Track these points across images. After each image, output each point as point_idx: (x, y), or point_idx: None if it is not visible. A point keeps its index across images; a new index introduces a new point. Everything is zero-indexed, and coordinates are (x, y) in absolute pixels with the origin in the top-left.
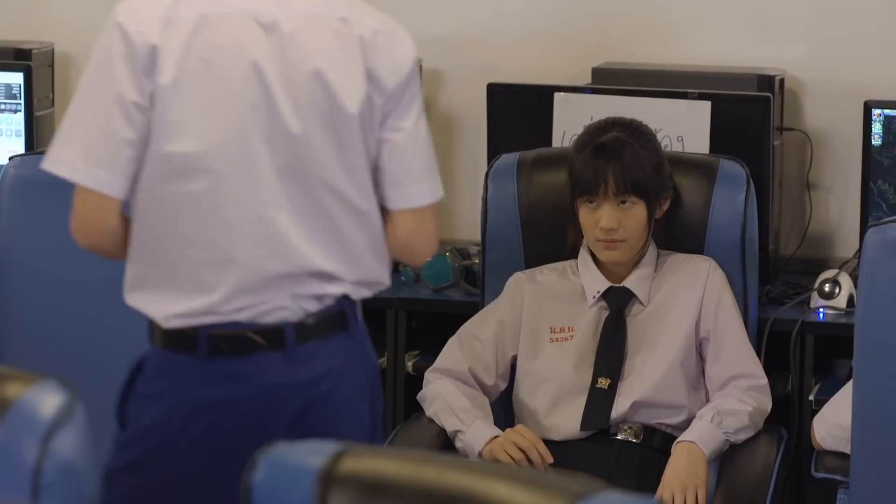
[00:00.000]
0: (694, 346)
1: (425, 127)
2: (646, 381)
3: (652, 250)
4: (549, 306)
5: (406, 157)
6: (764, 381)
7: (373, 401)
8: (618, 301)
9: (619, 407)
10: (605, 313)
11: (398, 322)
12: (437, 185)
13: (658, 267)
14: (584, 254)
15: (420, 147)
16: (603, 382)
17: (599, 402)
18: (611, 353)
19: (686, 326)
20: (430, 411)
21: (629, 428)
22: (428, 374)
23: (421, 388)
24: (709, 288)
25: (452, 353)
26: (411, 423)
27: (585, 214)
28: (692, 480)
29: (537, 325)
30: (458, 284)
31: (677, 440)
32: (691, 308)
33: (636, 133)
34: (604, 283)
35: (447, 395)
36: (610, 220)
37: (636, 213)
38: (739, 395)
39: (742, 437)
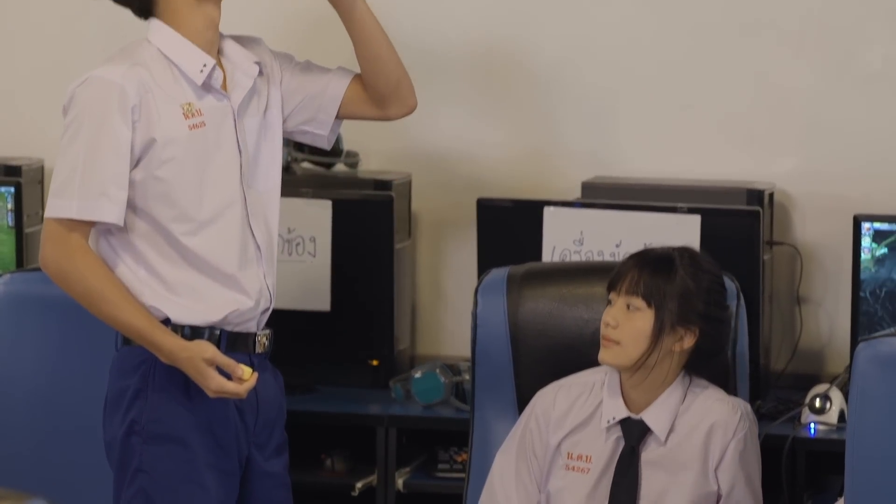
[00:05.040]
0: None
1: (73, 150)
2: None
3: (679, 384)
4: (568, 428)
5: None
6: None
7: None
8: (633, 437)
9: None
10: (622, 446)
11: (388, 439)
12: (55, 202)
13: (686, 400)
14: (612, 372)
15: (57, 165)
16: None
17: None
18: (622, 497)
19: (699, 487)
20: None
21: None
22: None
23: None
24: (730, 451)
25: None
26: None
27: (604, 314)
28: None
29: (556, 445)
30: (448, 401)
31: None
32: (708, 467)
33: (686, 257)
34: (622, 412)
35: None
36: (610, 315)
37: (638, 320)
38: None
39: None
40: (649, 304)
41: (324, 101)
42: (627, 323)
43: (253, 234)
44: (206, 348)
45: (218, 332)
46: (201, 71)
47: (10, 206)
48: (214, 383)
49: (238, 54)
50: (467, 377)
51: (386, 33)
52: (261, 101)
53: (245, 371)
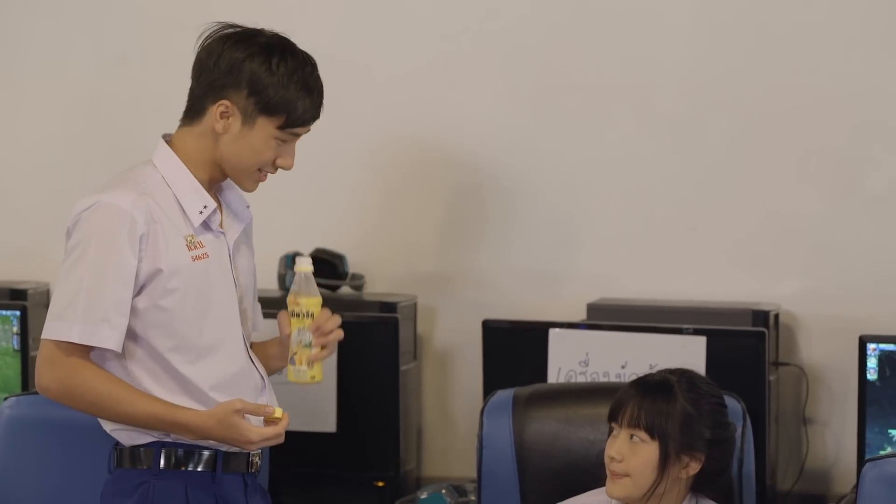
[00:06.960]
0: None
1: (76, 274)
2: None
3: None
4: None
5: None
6: None
7: None
8: None
9: None
10: None
11: None
12: (55, 325)
13: None
14: None
15: (58, 287)
16: None
17: None
18: None
19: None
20: None
21: None
22: None
23: None
24: None
25: None
26: None
27: (607, 443)
28: None
29: None
30: None
31: None
32: None
33: (686, 381)
34: None
35: None
36: (614, 448)
37: (644, 452)
38: None
39: None
40: (653, 436)
41: None
42: (633, 456)
43: (255, 366)
44: (232, 402)
45: (214, 452)
46: (200, 213)
47: (15, 329)
48: (255, 434)
49: (234, 195)
50: (473, 498)
51: None
52: (249, 244)
53: (277, 410)
